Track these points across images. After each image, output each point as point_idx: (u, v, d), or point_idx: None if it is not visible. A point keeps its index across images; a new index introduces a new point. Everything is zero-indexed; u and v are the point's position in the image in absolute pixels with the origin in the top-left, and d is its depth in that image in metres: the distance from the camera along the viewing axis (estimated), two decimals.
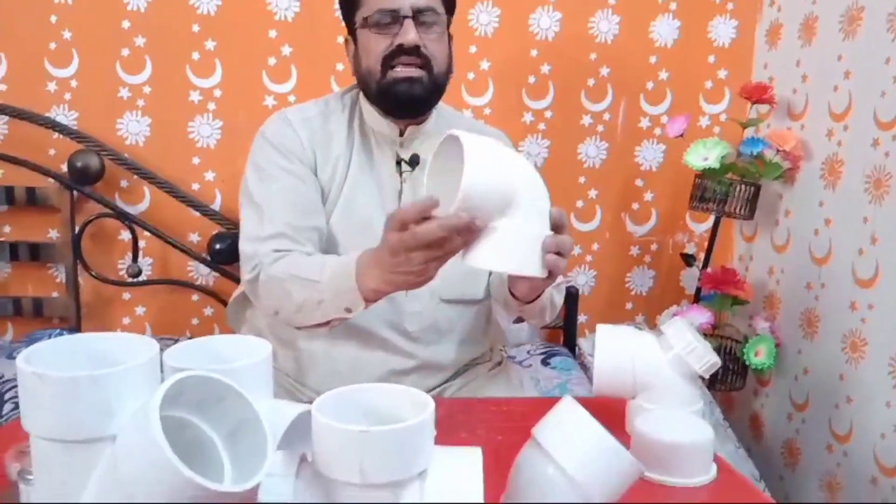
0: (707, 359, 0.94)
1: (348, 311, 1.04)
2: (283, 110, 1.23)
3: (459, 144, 0.83)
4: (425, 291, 1.16)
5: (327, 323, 1.08)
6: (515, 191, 0.86)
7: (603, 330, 0.98)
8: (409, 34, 1.11)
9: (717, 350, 1.83)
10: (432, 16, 1.14)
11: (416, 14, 1.12)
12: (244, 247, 1.15)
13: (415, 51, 1.12)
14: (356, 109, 1.23)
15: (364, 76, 1.17)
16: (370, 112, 1.21)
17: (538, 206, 0.90)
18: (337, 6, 1.24)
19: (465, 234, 0.86)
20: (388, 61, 1.13)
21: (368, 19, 1.13)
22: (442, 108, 1.25)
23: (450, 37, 1.20)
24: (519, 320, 1.19)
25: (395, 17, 1.12)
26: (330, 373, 1.18)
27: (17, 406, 1.17)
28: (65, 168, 1.77)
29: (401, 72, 1.12)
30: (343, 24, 1.23)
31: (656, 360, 0.95)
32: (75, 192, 1.78)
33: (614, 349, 0.96)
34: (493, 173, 0.85)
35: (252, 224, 1.15)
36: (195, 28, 1.79)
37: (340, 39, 1.28)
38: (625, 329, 1.00)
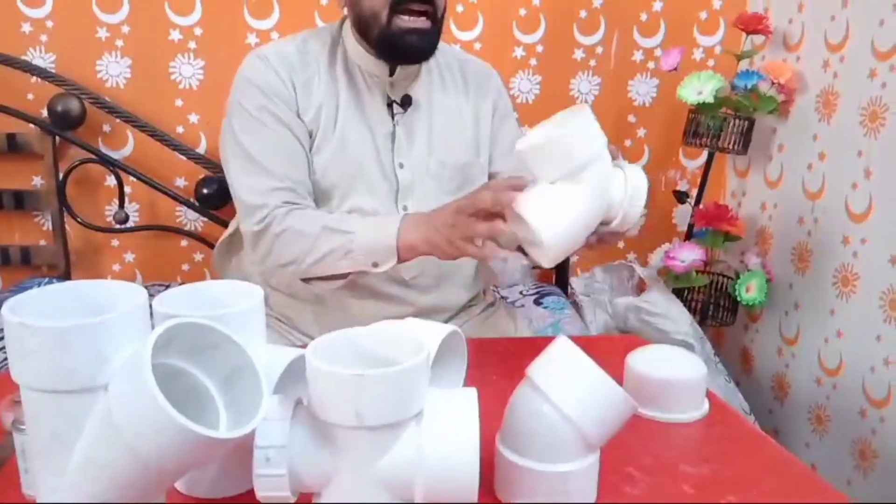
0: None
1: (375, 265, 1.03)
2: (259, 48, 1.16)
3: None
4: None
5: (344, 276, 1.07)
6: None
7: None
8: None
9: (709, 286, 1.84)
10: None
11: None
12: (248, 198, 1.10)
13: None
14: (339, 48, 1.17)
15: (366, 17, 1.09)
16: (358, 51, 1.15)
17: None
18: None
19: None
20: (397, 5, 1.06)
21: None
22: None
23: None
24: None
25: None
26: (323, 321, 1.17)
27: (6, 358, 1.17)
28: (45, 113, 1.73)
29: (409, 21, 1.06)
30: None
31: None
32: (57, 138, 1.74)
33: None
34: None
35: (249, 176, 1.10)
36: None
37: None
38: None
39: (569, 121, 0.85)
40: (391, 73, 1.15)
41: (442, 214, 0.98)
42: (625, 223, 0.91)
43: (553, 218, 0.84)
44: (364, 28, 1.11)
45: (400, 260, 1.03)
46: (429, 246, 1.00)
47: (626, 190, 0.89)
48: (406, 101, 1.16)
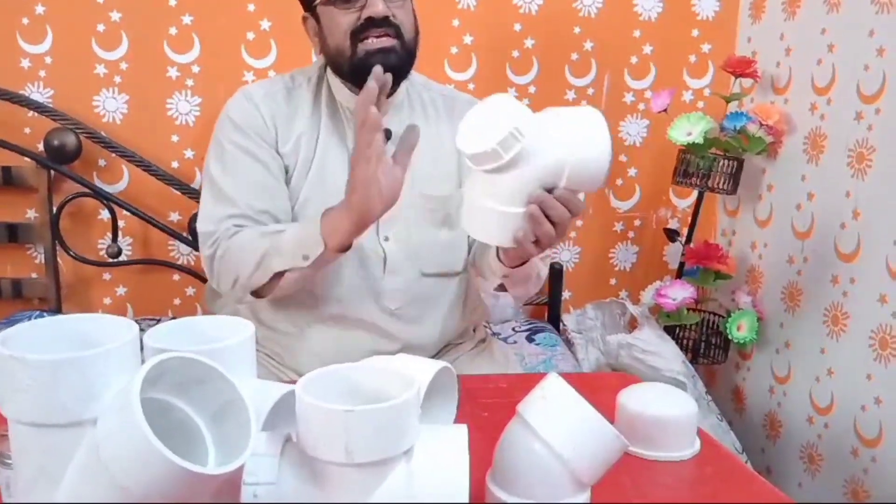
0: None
1: (305, 258, 1.04)
2: (247, 86, 1.21)
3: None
4: (406, 266, 1.16)
5: (281, 276, 1.07)
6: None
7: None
8: (377, 5, 1.07)
9: (700, 325, 1.85)
10: None
11: None
12: (203, 226, 1.14)
13: (385, 21, 1.08)
14: (322, 83, 1.21)
15: (333, 54, 1.13)
16: (338, 86, 1.18)
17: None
18: None
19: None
20: (357, 35, 1.09)
21: None
22: (412, 77, 1.22)
23: None
24: (501, 288, 1.19)
25: None
26: (310, 355, 1.17)
27: None
28: (41, 147, 1.74)
29: (373, 43, 1.09)
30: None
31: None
32: (52, 172, 1.75)
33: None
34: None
35: (211, 205, 1.14)
36: (172, 2, 1.75)
37: None
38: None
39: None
40: None
41: (353, 158, 1.01)
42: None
43: (467, 207, 0.93)
44: (335, 66, 1.15)
45: (329, 248, 1.02)
46: (347, 208, 1.00)
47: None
48: (386, 134, 1.18)
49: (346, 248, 1.04)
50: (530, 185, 0.89)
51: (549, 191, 0.90)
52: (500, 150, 0.84)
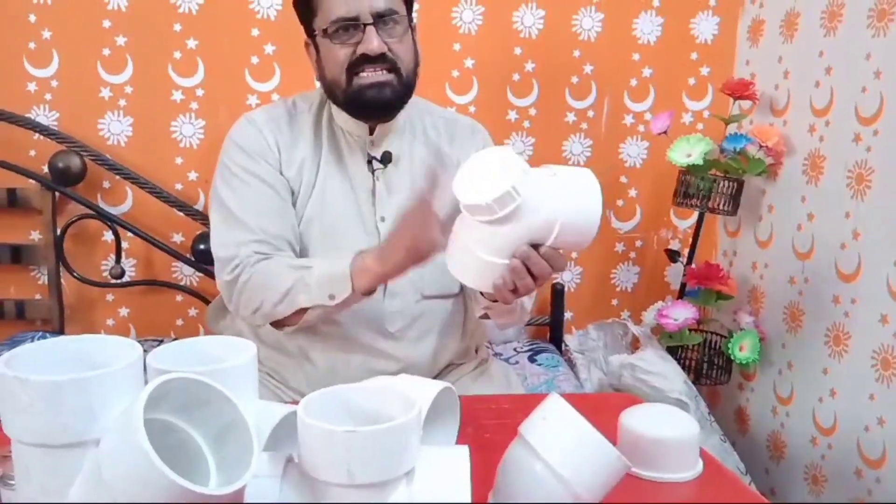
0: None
1: (331, 297, 1.04)
2: (250, 112, 1.22)
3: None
4: (407, 288, 1.16)
5: (305, 311, 1.08)
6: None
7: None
8: (372, 42, 1.08)
9: (703, 345, 1.85)
10: (394, 18, 1.11)
11: (377, 19, 1.09)
12: (222, 251, 1.14)
13: (380, 58, 1.10)
14: (324, 109, 1.22)
15: (329, 85, 1.15)
16: (338, 113, 1.19)
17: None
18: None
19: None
20: (353, 69, 1.11)
21: (327, 30, 1.11)
22: (413, 100, 1.22)
23: (412, 28, 1.17)
24: (485, 316, 1.19)
25: (356, 25, 1.09)
26: (311, 377, 1.17)
27: None
28: (46, 169, 1.75)
29: (368, 77, 1.10)
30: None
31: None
32: (57, 194, 1.76)
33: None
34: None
35: (226, 229, 1.15)
36: (177, 27, 1.78)
37: None
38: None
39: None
40: (371, 132, 1.19)
41: (395, 233, 1.03)
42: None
43: (453, 248, 0.94)
44: (332, 96, 1.17)
45: (355, 290, 1.03)
46: (381, 260, 1.02)
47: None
48: (386, 158, 1.19)
49: (371, 291, 1.06)
50: (518, 241, 0.90)
51: (536, 246, 0.90)
52: (495, 206, 0.85)
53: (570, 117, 1.95)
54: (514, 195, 0.85)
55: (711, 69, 1.97)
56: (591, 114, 1.96)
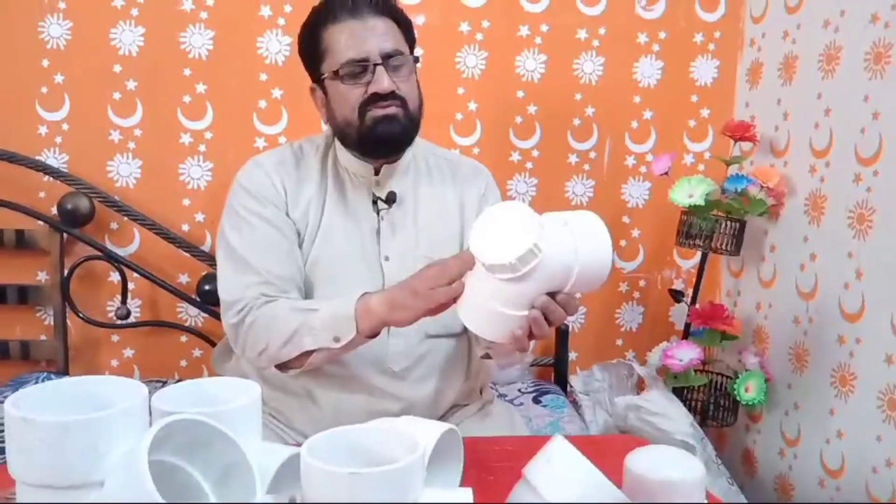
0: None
1: (336, 339, 1.05)
2: (257, 156, 1.25)
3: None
4: (410, 328, 1.17)
5: (310, 354, 1.08)
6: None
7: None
8: (383, 82, 1.12)
9: (708, 386, 1.83)
10: (400, 58, 1.15)
11: (385, 59, 1.13)
12: (227, 294, 1.16)
13: (390, 95, 1.13)
14: (329, 151, 1.25)
15: (341, 126, 1.18)
16: (345, 155, 1.22)
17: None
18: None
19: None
20: (364, 107, 1.14)
21: (339, 72, 1.14)
22: (417, 142, 1.25)
23: (415, 60, 1.19)
24: (487, 356, 1.19)
25: (365, 66, 1.13)
26: (315, 417, 1.17)
27: (2, 451, 1.15)
28: (55, 210, 1.77)
29: (379, 110, 1.13)
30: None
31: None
32: (65, 235, 1.78)
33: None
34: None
35: (233, 272, 1.16)
36: (186, 72, 1.82)
37: None
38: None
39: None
40: (376, 173, 1.21)
41: (407, 279, 1.02)
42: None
43: (469, 302, 0.94)
44: (343, 137, 1.19)
45: (359, 331, 1.04)
46: (388, 305, 1.02)
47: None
48: (391, 198, 1.21)
49: (376, 333, 1.06)
50: (538, 293, 0.91)
51: (552, 294, 0.91)
52: (518, 264, 0.86)
53: (573, 159, 1.97)
54: (536, 252, 0.86)
55: (711, 111, 1.99)
56: (593, 155, 1.98)
